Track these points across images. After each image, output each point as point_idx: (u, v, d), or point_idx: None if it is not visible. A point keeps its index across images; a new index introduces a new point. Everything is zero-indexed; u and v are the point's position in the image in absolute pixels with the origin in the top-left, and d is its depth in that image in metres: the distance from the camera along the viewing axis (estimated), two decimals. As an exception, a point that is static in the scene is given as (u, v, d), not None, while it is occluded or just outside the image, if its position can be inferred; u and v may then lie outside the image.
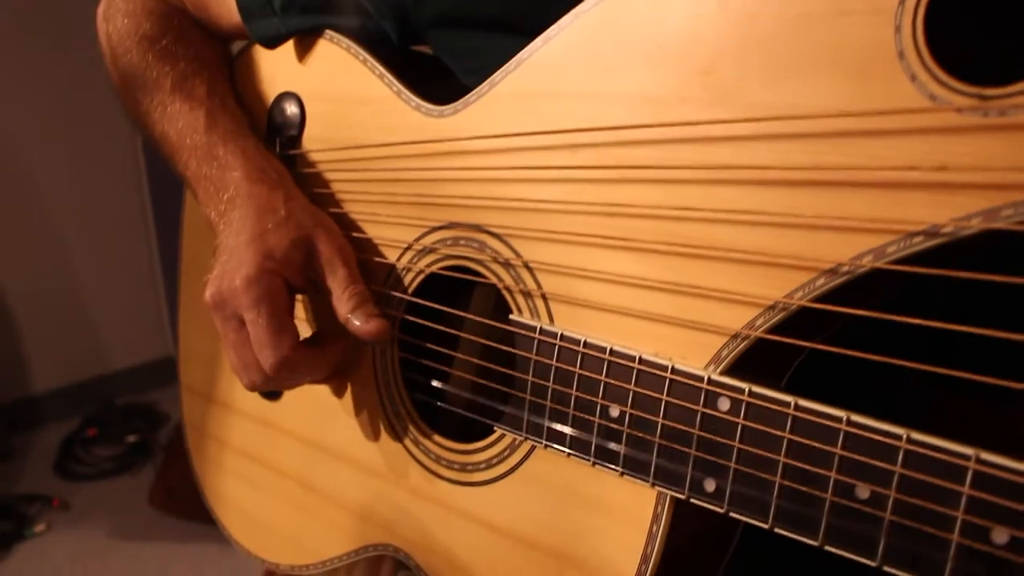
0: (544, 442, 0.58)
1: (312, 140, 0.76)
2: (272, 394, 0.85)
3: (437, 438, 0.69)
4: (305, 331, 0.76)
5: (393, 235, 0.70)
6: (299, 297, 0.76)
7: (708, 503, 0.49)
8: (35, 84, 2.65)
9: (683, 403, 0.50)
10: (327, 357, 0.71)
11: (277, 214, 0.67)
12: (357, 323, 0.66)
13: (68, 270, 2.87)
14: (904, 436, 0.42)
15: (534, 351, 0.58)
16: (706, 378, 0.49)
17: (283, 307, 0.66)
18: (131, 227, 3.00)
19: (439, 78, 0.72)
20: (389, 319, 0.71)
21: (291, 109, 0.77)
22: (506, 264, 0.61)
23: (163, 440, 2.68)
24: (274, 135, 0.79)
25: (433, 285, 0.69)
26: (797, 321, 0.47)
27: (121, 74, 0.78)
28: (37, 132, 2.67)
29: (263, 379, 0.68)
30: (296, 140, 0.77)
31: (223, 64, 0.82)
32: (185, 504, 2.25)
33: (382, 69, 0.70)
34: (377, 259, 0.71)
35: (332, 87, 0.74)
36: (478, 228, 0.63)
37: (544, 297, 0.59)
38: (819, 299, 0.45)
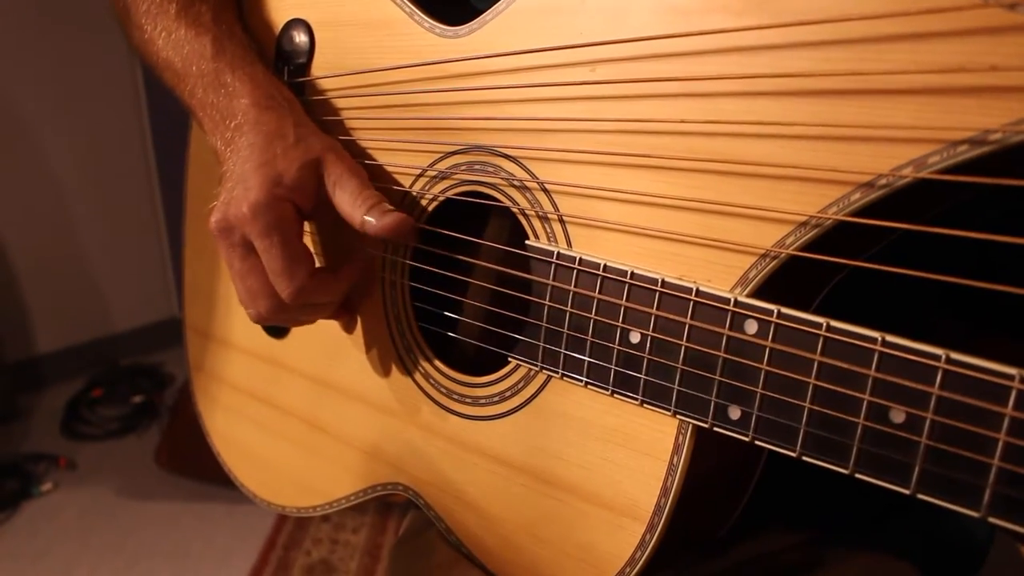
0: (561, 371, 0.56)
1: (321, 67, 0.74)
2: (278, 332, 0.83)
3: (449, 372, 0.67)
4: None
5: (406, 161, 0.67)
6: (307, 228, 0.75)
7: (733, 431, 0.47)
8: (39, 51, 2.62)
9: (708, 326, 0.48)
10: (341, 281, 0.69)
11: (286, 140, 0.65)
12: (374, 221, 0.63)
13: (73, 231, 2.85)
14: (943, 356, 0.39)
15: (551, 277, 0.56)
16: (732, 300, 0.47)
17: (295, 233, 0.64)
18: (136, 188, 2.98)
19: (453, 5, 0.70)
20: (400, 247, 0.69)
21: (299, 37, 0.75)
22: (522, 187, 0.59)
23: (168, 401, 2.68)
24: (282, 63, 0.76)
25: (447, 212, 0.66)
26: (831, 239, 0.45)
27: (124, 1, 0.76)
28: (39, 95, 2.65)
29: (271, 309, 0.66)
30: (305, 68, 0.74)
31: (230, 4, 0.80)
32: (190, 464, 2.26)
33: (394, -10, 0.67)
34: (389, 187, 0.69)
35: (342, 12, 0.72)
36: (493, 151, 0.61)
37: (562, 220, 0.56)
38: (855, 215, 0.43)
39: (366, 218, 0.63)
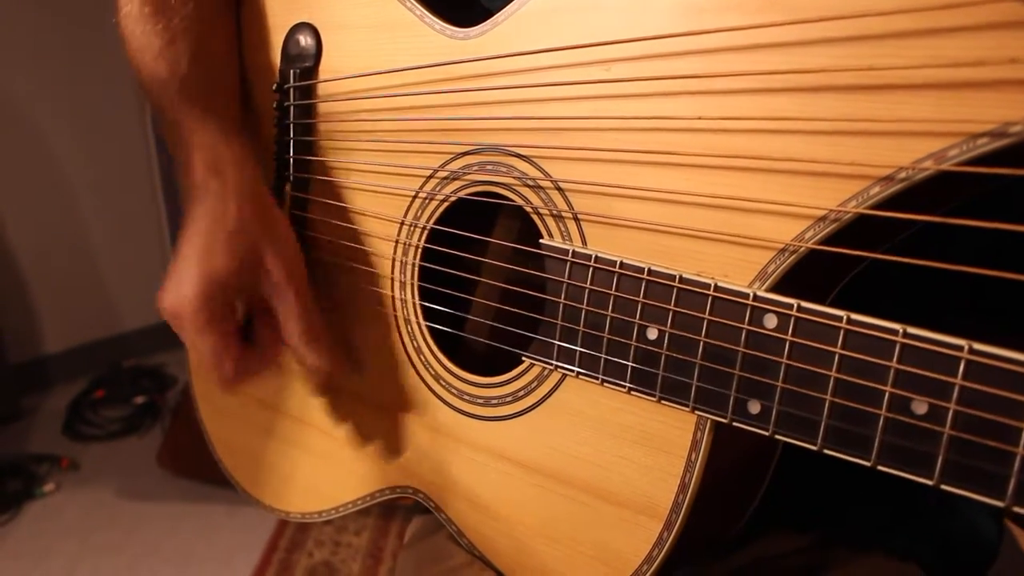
0: (576, 370, 0.56)
1: (329, 70, 0.74)
2: None
3: (460, 373, 0.66)
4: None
5: (416, 162, 0.67)
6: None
7: (752, 426, 0.47)
8: (45, 56, 2.62)
9: (727, 322, 0.48)
10: (266, 353, 0.71)
11: (226, 226, 0.65)
12: (309, 360, 0.69)
13: (77, 233, 2.85)
14: (966, 347, 0.39)
15: (566, 275, 0.56)
16: (752, 294, 0.47)
17: (227, 329, 0.66)
18: (139, 189, 2.98)
19: (462, 7, 0.69)
20: (411, 248, 0.69)
21: (306, 40, 0.75)
22: (535, 186, 0.59)
23: (171, 402, 2.68)
24: (288, 67, 0.76)
25: (458, 213, 0.66)
26: (850, 233, 0.45)
27: (127, 33, 0.75)
28: (46, 99, 2.65)
29: (224, 381, 0.68)
30: (312, 71, 0.74)
31: (226, 10, 0.79)
32: (192, 465, 2.26)
33: (403, -8, 0.67)
34: (399, 188, 0.69)
35: (349, 14, 0.72)
36: (505, 151, 0.61)
37: (576, 218, 0.56)
38: (874, 209, 0.43)
39: (304, 352, 0.68)
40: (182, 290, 0.64)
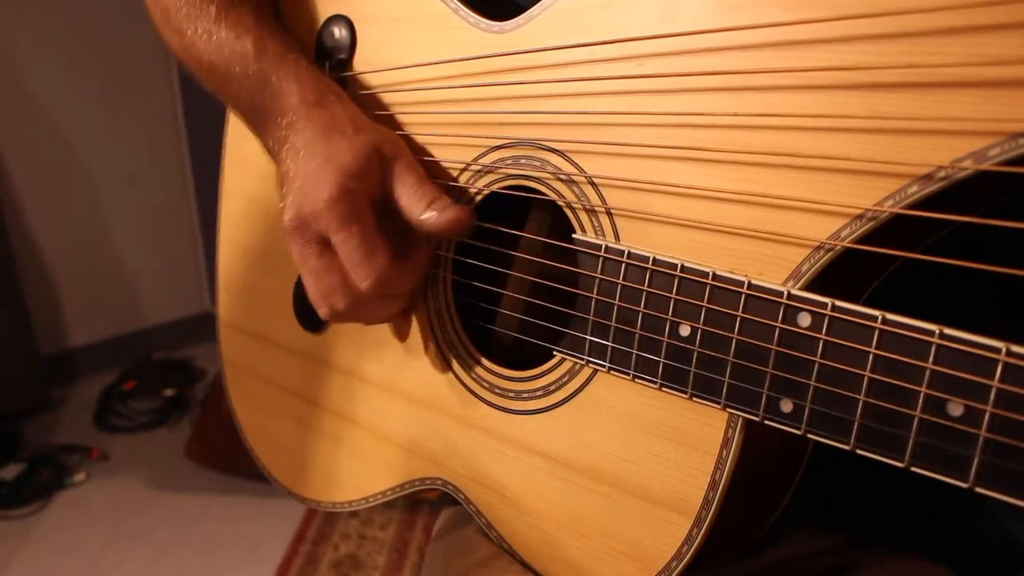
0: (608, 365, 0.56)
1: (363, 63, 0.74)
2: (316, 326, 0.83)
3: (491, 366, 0.67)
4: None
5: (450, 156, 0.68)
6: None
7: (784, 424, 0.47)
8: (74, 48, 2.65)
9: (760, 319, 0.48)
10: (415, 266, 0.69)
11: (345, 132, 0.65)
12: (435, 214, 0.63)
13: (107, 226, 2.89)
14: (1003, 349, 0.39)
15: (599, 270, 0.56)
16: (786, 293, 0.46)
17: (372, 224, 0.64)
18: (170, 183, 3.01)
19: (494, 1, 0.70)
20: (443, 241, 0.69)
21: (340, 32, 0.75)
22: (568, 181, 0.59)
23: (199, 395, 2.71)
24: (323, 59, 0.76)
25: (491, 207, 0.67)
26: (886, 232, 0.44)
27: (162, 7, 0.76)
28: (74, 90, 2.68)
29: (349, 305, 0.66)
30: (346, 63, 0.75)
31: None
32: (220, 457, 2.28)
33: (438, -14, 0.67)
34: (433, 181, 0.69)
35: (384, 7, 0.72)
36: (539, 145, 0.61)
37: (609, 213, 0.56)
38: (912, 208, 0.43)
39: (424, 217, 0.64)
40: (318, 192, 0.62)
